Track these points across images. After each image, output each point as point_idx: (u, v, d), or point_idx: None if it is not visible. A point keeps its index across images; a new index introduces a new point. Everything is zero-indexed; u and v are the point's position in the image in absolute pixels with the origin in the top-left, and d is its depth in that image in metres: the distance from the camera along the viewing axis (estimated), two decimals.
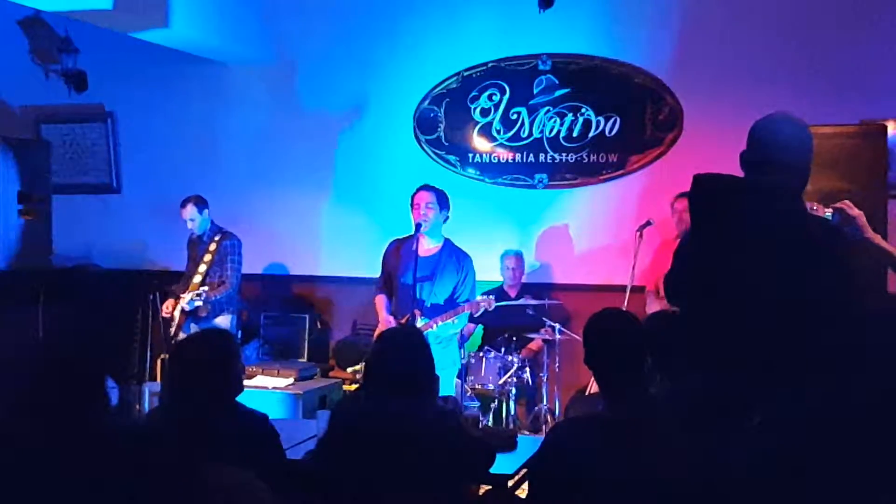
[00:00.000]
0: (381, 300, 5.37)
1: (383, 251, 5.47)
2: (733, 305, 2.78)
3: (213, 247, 6.18)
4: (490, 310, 5.14)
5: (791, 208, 2.93)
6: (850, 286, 2.75)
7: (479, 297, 5.18)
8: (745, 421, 2.60)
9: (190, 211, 6.21)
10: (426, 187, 5.28)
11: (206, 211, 6.26)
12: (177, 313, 6.06)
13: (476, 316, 5.17)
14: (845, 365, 2.19)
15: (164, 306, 6.21)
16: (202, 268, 6.15)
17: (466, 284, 5.22)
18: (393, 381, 3.05)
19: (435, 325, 5.01)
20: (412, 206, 5.25)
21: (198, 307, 5.97)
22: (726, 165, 6.34)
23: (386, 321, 5.17)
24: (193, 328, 5.88)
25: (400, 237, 5.39)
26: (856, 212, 3.45)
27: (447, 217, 5.30)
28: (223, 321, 6.08)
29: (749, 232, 2.86)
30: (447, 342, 5.19)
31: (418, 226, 5.16)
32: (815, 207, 3.62)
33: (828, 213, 3.57)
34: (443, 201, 5.25)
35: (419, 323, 4.99)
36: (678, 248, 3.14)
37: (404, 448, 2.94)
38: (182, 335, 6.02)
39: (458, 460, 3.04)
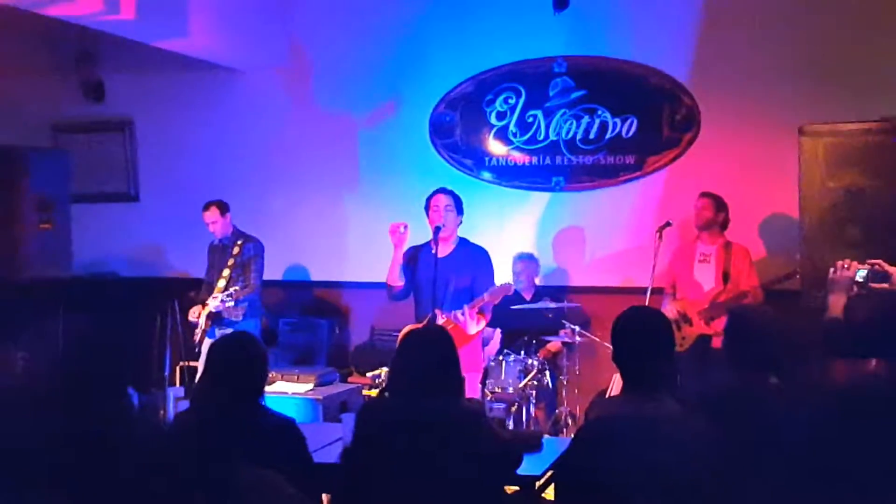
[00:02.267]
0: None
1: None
2: None
3: (235, 251, 6.17)
4: (510, 294, 5.12)
5: None
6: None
7: (497, 284, 5.14)
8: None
9: (212, 214, 6.21)
10: (444, 190, 5.27)
11: (228, 215, 6.26)
12: (202, 319, 6.05)
13: (496, 303, 5.14)
14: None
15: (191, 311, 6.21)
16: (226, 272, 6.14)
17: (485, 276, 5.21)
18: (419, 380, 3.02)
19: (458, 317, 4.98)
20: (429, 208, 5.23)
21: (228, 308, 5.95)
22: (743, 164, 6.41)
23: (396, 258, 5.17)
24: (219, 333, 5.86)
25: (416, 245, 5.37)
26: (890, 269, 3.48)
27: (461, 222, 5.29)
28: (246, 327, 6.06)
29: None
30: (472, 343, 5.17)
31: (437, 229, 5.14)
32: (846, 265, 3.61)
33: (861, 270, 3.57)
34: (459, 205, 5.25)
35: (441, 321, 4.97)
36: None
37: (434, 448, 2.92)
38: (207, 341, 6.00)
39: (487, 461, 3.01)
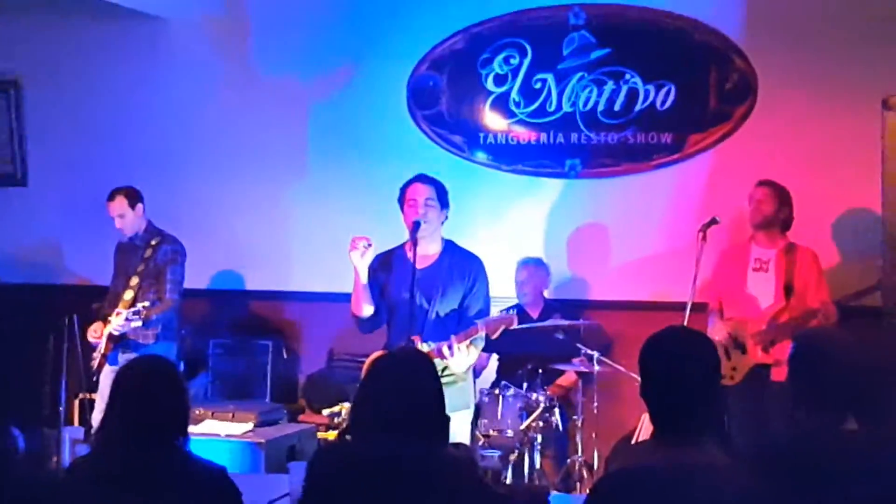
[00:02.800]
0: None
1: (369, 269, 5.40)
2: None
3: (148, 253, 6.13)
4: (512, 328, 5.09)
5: None
6: None
7: (498, 314, 5.13)
8: None
9: (119, 205, 6.18)
10: (423, 178, 5.23)
11: (140, 206, 6.22)
12: (102, 340, 6.01)
13: (494, 337, 5.11)
14: None
15: (91, 329, 6.16)
16: (134, 281, 6.10)
17: (478, 294, 5.16)
18: (391, 420, 3.00)
19: (444, 352, 4.95)
20: (404, 201, 5.19)
21: (136, 329, 5.90)
22: (811, 146, 6.43)
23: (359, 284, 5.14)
24: (122, 359, 5.81)
25: (385, 251, 5.34)
26: None
27: (446, 217, 5.26)
28: (161, 348, 6.02)
29: None
30: (460, 379, 5.13)
31: (416, 225, 5.09)
32: None
33: None
34: (444, 197, 5.22)
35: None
36: None
37: None
38: (108, 369, 5.96)
39: None
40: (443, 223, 5.24)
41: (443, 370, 4.72)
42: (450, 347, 4.91)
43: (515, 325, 5.05)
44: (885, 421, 3.12)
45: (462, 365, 5.00)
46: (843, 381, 3.12)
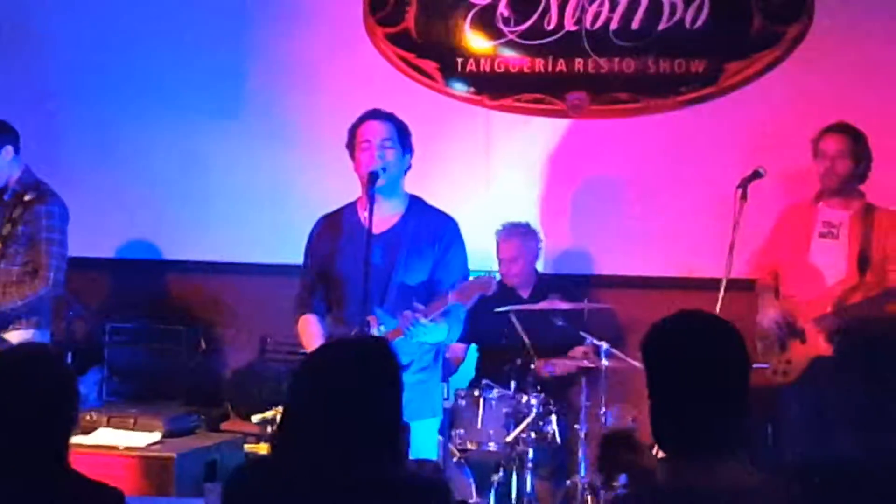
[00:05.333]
0: (309, 323, 5.27)
1: (308, 237, 5.39)
2: None
3: (17, 212, 6.05)
4: (489, 293, 5.08)
5: None
6: None
7: (472, 278, 5.10)
8: None
9: None
10: (378, 114, 5.21)
11: (10, 150, 6.14)
12: None
13: (468, 306, 5.10)
14: None
15: None
16: None
17: (452, 263, 5.14)
18: (332, 428, 2.99)
19: (407, 327, 4.94)
20: (355, 145, 5.17)
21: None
22: (883, 74, 6.42)
23: None
24: None
25: (331, 212, 5.33)
26: None
27: (409, 166, 5.24)
28: (24, 338, 5.96)
29: None
30: (428, 372, 5.16)
31: (372, 177, 5.09)
32: None
33: None
34: (405, 139, 5.20)
35: (377, 332, 4.94)
36: None
37: None
38: None
39: None
40: (405, 173, 5.23)
41: (407, 364, 4.73)
42: (415, 321, 4.91)
43: (491, 290, 5.03)
44: None
45: (422, 336, 5.00)
46: None
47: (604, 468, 5.08)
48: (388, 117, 5.19)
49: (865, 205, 5.91)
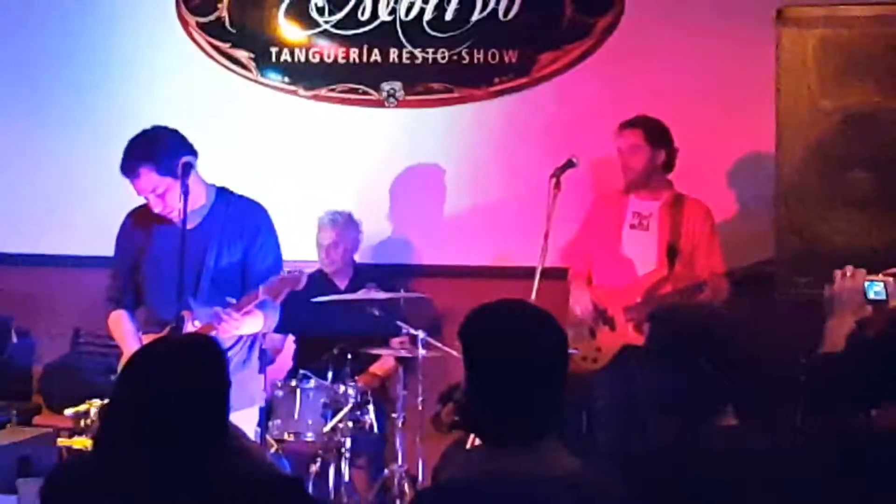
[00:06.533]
0: (118, 319, 5.23)
1: (118, 231, 5.32)
2: None
3: None
4: (300, 287, 5.08)
5: None
6: None
7: (281, 274, 5.11)
8: None
9: None
10: (128, 165, 5.10)
11: None
12: None
13: (278, 301, 5.09)
14: None
15: None
16: None
17: (263, 250, 5.13)
18: (158, 427, 2.96)
19: (220, 320, 4.93)
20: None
21: None
22: (692, 68, 6.56)
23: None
24: None
25: (141, 205, 5.27)
26: None
27: (191, 165, 5.16)
28: None
29: None
30: (244, 363, 5.15)
31: (186, 167, 5.04)
32: (849, 273, 3.75)
33: (875, 282, 3.71)
34: (168, 164, 5.09)
35: (192, 329, 4.92)
36: None
37: None
38: None
39: None
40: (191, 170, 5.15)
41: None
42: (227, 314, 4.90)
43: (302, 285, 5.03)
44: (769, 415, 3.22)
45: (235, 330, 5.00)
46: (720, 370, 3.19)
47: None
48: (141, 159, 5.03)
49: (675, 195, 6.03)
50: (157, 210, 5.04)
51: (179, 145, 5.07)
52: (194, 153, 5.05)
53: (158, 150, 5.03)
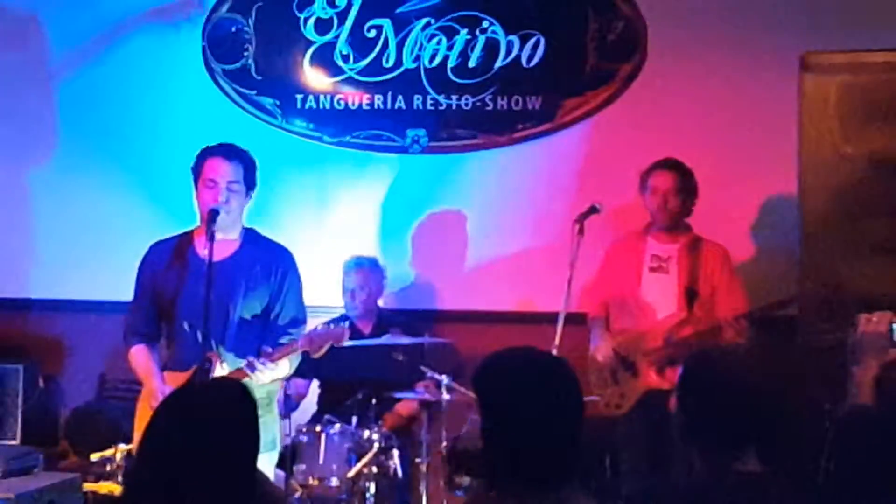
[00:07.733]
0: (140, 353, 5.22)
1: (139, 264, 5.35)
2: None
3: None
4: (342, 343, 5.10)
5: None
6: None
7: (323, 326, 5.12)
8: None
9: None
10: (229, 153, 5.17)
11: None
12: None
13: (317, 356, 5.11)
14: None
15: None
16: None
17: (288, 296, 5.16)
18: (188, 473, 2.96)
19: (255, 375, 4.93)
20: (199, 179, 5.15)
21: None
22: (712, 112, 6.57)
23: (158, 389, 5.03)
24: None
25: (165, 238, 5.29)
26: None
27: (251, 199, 5.23)
28: None
29: None
30: (263, 407, 5.11)
31: (213, 213, 5.07)
32: (874, 318, 3.75)
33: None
34: (251, 177, 5.18)
35: (221, 371, 4.94)
36: None
37: None
38: None
39: None
40: (245, 207, 5.21)
41: None
42: (262, 364, 4.91)
43: (346, 342, 5.06)
44: (788, 459, 3.20)
45: (266, 379, 5.02)
46: (741, 413, 3.18)
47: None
48: (239, 157, 5.14)
49: (693, 238, 6.03)
50: (209, 200, 5.06)
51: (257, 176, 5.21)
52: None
53: (252, 162, 5.17)
